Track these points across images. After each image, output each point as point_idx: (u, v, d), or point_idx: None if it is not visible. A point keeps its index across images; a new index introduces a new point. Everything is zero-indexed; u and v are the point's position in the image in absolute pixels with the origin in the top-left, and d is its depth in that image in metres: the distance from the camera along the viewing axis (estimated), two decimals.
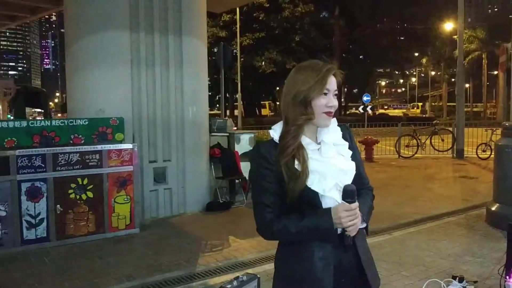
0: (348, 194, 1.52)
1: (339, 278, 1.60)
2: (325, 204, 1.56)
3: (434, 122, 15.97)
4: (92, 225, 5.31)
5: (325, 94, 1.57)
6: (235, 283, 3.46)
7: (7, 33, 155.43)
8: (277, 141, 1.61)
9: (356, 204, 1.53)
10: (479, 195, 7.55)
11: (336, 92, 1.61)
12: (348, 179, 1.59)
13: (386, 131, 17.53)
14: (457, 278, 3.76)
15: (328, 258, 1.57)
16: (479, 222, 5.84)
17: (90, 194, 5.28)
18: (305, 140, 1.61)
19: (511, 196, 5.36)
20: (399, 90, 75.09)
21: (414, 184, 8.94)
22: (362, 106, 22.85)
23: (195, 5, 6.61)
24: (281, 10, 29.23)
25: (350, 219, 1.50)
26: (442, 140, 13.93)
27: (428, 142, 13.80)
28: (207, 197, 6.84)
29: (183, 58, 6.35)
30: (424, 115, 42.99)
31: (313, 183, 1.55)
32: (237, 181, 7.40)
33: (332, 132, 1.65)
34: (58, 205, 5.10)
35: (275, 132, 1.64)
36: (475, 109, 45.21)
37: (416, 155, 13.19)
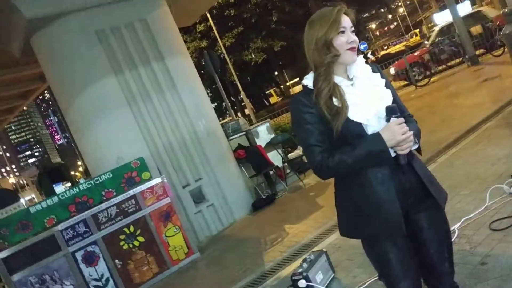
0: (391, 111, 1.60)
1: (404, 199, 1.66)
2: (370, 131, 1.63)
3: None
4: (154, 266, 5.37)
5: (343, 32, 1.65)
6: (304, 265, 3.46)
7: (12, 127, 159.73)
8: (311, 87, 1.69)
9: (402, 118, 1.59)
10: (508, 90, 7.31)
11: (353, 29, 1.68)
12: (388, 104, 1.65)
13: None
14: None
15: (388, 181, 1.63)
16: None
17: (141, 239, 5.34)
18: (338, 79, 1.68)
19: None
20: (391, 26, 73.59)
21: (441, 107, 8.75)
22: (362, 55, 22.49)
23: (164, 25, 6.62)
24: None
25: (402, 131, 1.56)
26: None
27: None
28: (249, 198, 6.85)
29: (174, 80, 6.36)
30: (425, 40, 42.01)
31: (355, 114, 1.63)
32: (271, 172, 7.39)
33: (361, 66, 1.74)
34: (116, 260, 5.19)
35: (308, 80, 1.72)
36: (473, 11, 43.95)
37: (432, 79, 12.91)
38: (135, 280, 5.24)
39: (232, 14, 28.84)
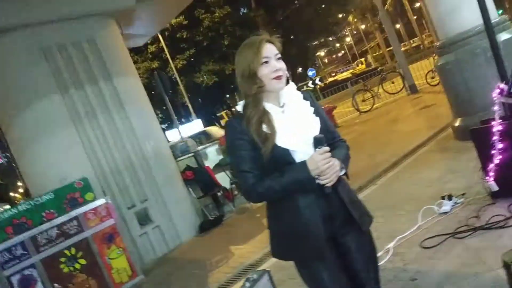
0: (318, 141, 1.66)
1: (330, 223, 1.74)
2: (298, 159, 1.69)
3: (379, 69, 16.41)
4: None
5: (266, 62, 1.70)
6: (247, 284, 3.50)
7: None
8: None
9: (327, 148, 1.66)
10: (442, 118, 7.76)
11: (279, 56, 1.74)
12: (315, 132, 1.72)
13: (341, 95, 17.93)
14: (446, 197, 3.94)
15: (313, 206, 1.70)
16: (449, 142, 6.07)
17: (82, 261, 5.18)
18: (268, 106, 1.75)
19: (467, 106, 5.57)
20: (339, 54, 76.38)
21: (381, 132, 9.19)
22: (310, 82, 23.24)
23: (112, 45, 6.59)
24: (200, 22, 29.31)
25: (325, 162, 1.64)
26: (393, 82, 14.36)
27: (380, 90, 14.18)
28: (196, 219, 6.83)
29: (121, 100, 6.31)
30: (370, 68, 43.98)
31: (282, 141, 1.69)
32: (219, 194, 7.42)
33: (292, 94, 1.80)
34: (56, 284, 4.99)
35: (241, 106, 1.78)
36: (414, 45, 46.55)
37: (375, 105, 13.54)
38: None
39: (184, 36, 28.95)
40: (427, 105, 10.09)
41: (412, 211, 4.09)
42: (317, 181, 1.67)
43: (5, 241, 4.87)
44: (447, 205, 3.84)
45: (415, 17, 42.70)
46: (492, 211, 3.42)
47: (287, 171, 1.67)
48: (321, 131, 1.74)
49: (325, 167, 1.64)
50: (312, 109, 1.81)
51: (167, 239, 6.39)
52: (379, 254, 3.45)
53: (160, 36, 23.72)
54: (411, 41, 47.47)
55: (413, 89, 12.99)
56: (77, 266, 5.13)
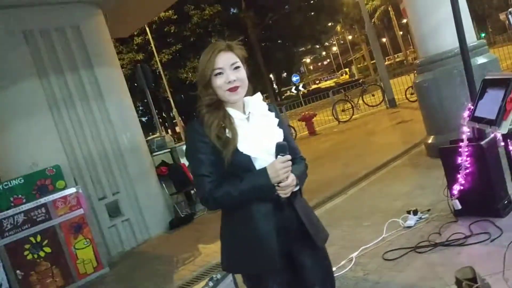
0: (280, 148, 1.66)
1: (284, 236, 1.72)
2: (258, 166, 1.68)
3: (361, 81, 16.63)
4: (59, 279, 5.17)
5: (220, 73, 1.67)
6: (210, 283, 3.54)
7: None
8: None
9: (289, 156, 1.65)
10: (417, 134, 7.95)
11: (236, 65, 1.69)
12: (278, 141, 1.70)
13: (323, 103, 18.05)
14: (411, 211, 4.04)
15: (269, 217, 1.68)
16: (421, 158, 6.21)
17: (47, 249, 5.13)
18: (233, 112, 1.72)
19: (440, 125, 5.72)
20: (325, 63, 77.08)
21: (358, 143, 9.33)
22: (294, 87, 23.41)
23: (96, 35, 6.53)
24: (189, 18, 29.22)
25: (285, 170, 1.63)
26: (373, 95, 14.58)
27: (360, 101, 14.39)
28: (167, 216, 6.82)
29: (101, 90, 6.27)
30: (353, 79, 44.55)
31: (244, 148, 1.67)
32: (192, 191, 7.42)
33: (258, 104, 1.78)
34: (18, 271, 4.93)
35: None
36: (398, 59, 47.35)
37: (353, 116, 13.73)
38: None
39: (172, 31, 28.81)
40: (404, 120, 10.30)
41: (378, 223, 4.18)
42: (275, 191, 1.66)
43: None
44: (411, 220, 3.95)
45: (401, 32, 43.44)
46: (453, 229, 3.53)
47: (246, 177, 1.65)
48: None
49: (285, 176, 1.63)
50: (277, 120, 1.80)
51: (136, 233, 6.36)
52: (342, 263, 3.56)
53: (147, 28, 23.49)
54: (396, 55, 48.28)
55: (392, 103, 13.23)
56: (42, 254, 5.09)
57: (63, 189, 5.45)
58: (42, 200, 5.18)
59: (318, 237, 1.79)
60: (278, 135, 1.75)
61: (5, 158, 5.95)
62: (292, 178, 1.66)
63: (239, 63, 1.70)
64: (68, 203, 5.31)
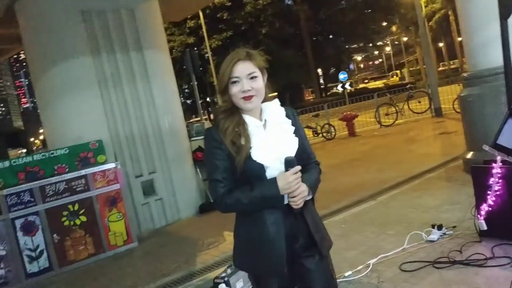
0: (289, 164, 1.69)
1: (292, 242, 1.78)
2: (270, 175, 1.72)
3: (408, 86, 16.27)
4: (91, 247, 5.48)
5: (236, 82, 1.73)
6: (228, 270, 3.69)
7: None
8: None
9: (299, 167, 1.69)
10: (458, 147, 7.75)
11: (253, 75, 1.74)
12: (291, 153, 1.75)
13: (367, 105, 17.78)
14: (436, 226, 4.02)
15: (279, 224, 1.74)
16: (458, 173, 6.09)
17: (83, 218, 5.45)
18: (249, 119, 1.77)
19: (479, 142, 5.57)
20: (376, 62, 75.45)
21: (396, 149, 9.20)
22: (340, 85, 23.14)
23: (149, 19, 6.78)
24: (243, 6, 29.40)
25: (296, 182, 1.67)
26: (419, 102, 14.23)
27: (406, 107, 14.09)
28: (198, 200, 7.03)
29: (148, 72, 6.52)
30: (403, 82, 43.43)
31: (257, 156, 1.71)
32: None
33: (275, 111, 1.82)
34: (55, 235, 5.27)
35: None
36: (452, 66, 45.66)
37: (396, 121, 13.48)
38: (69, 257, 5.33)
39: (224, 18, 29.11)
40: (447, 131, 10.04)
41: (402, 233, 4.18)
42: (286, 202, 1.71)
43: (16, 185, 5.15)
44: (435, 234, 3.93)
45: (459, 38, 41.86)
46: (475, 249, 3.50)
47: (257, 186, 1.69)
48: (298, 150, 1.77)
49: (296, 187, 1.67)
50: (293, 128, 1.83)
51: (167, 212, 6.61)
52: (359, 268, 3.62)
53: (200, 13, 23.85)
54: (451, 62, 46.58)
55: (438, 112, 12.89)
56: (78, 222, 5.40)
57: (103, 163, 5.76)
58: (83, 172, 5.49)
59: (323, 245, 1.84)
60: (294, 144, 1.78)
61: (53, 129, 6.33)
62: (303, 189, 1.70)
63: (257, 73, 1.75)
64: (106, 177, 5.60)
